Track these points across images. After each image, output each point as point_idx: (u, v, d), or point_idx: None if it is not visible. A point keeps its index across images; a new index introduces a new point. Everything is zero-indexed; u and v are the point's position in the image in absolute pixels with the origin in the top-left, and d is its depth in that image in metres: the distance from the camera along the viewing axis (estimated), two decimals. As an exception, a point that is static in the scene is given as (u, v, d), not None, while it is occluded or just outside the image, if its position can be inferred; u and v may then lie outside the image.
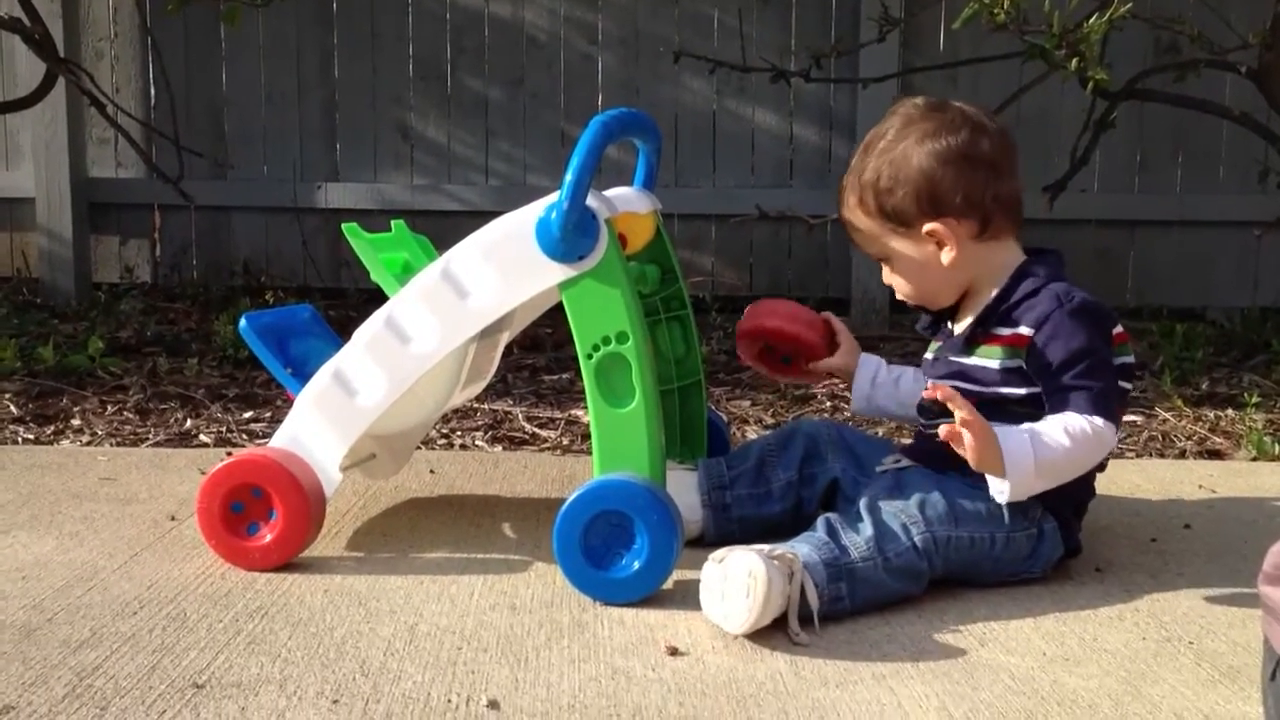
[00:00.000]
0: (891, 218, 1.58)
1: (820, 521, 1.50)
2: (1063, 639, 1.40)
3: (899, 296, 1.66)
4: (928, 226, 1.57)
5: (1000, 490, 1.45)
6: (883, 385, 1.79)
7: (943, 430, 1.43)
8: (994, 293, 1.58)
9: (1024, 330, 1.53)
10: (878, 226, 1.60)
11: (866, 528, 1.47)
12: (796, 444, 1.73)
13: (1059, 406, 1.49)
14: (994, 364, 1.56)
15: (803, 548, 1.44)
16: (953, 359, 1.61)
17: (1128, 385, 1.58)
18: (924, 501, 1.50)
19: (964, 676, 1.29)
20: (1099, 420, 1.46)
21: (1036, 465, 1.43)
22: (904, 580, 1.47)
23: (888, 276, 1.66)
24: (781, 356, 1.84)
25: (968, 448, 1.42)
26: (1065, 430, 1.45)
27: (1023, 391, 1.54)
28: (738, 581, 1.35)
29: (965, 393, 1.57)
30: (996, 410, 1.50)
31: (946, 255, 1.58)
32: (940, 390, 1.43)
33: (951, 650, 1.36)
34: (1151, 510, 1.93)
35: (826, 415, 2.65)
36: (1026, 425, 1.46)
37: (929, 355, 1.69)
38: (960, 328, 1.63)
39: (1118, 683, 1.28)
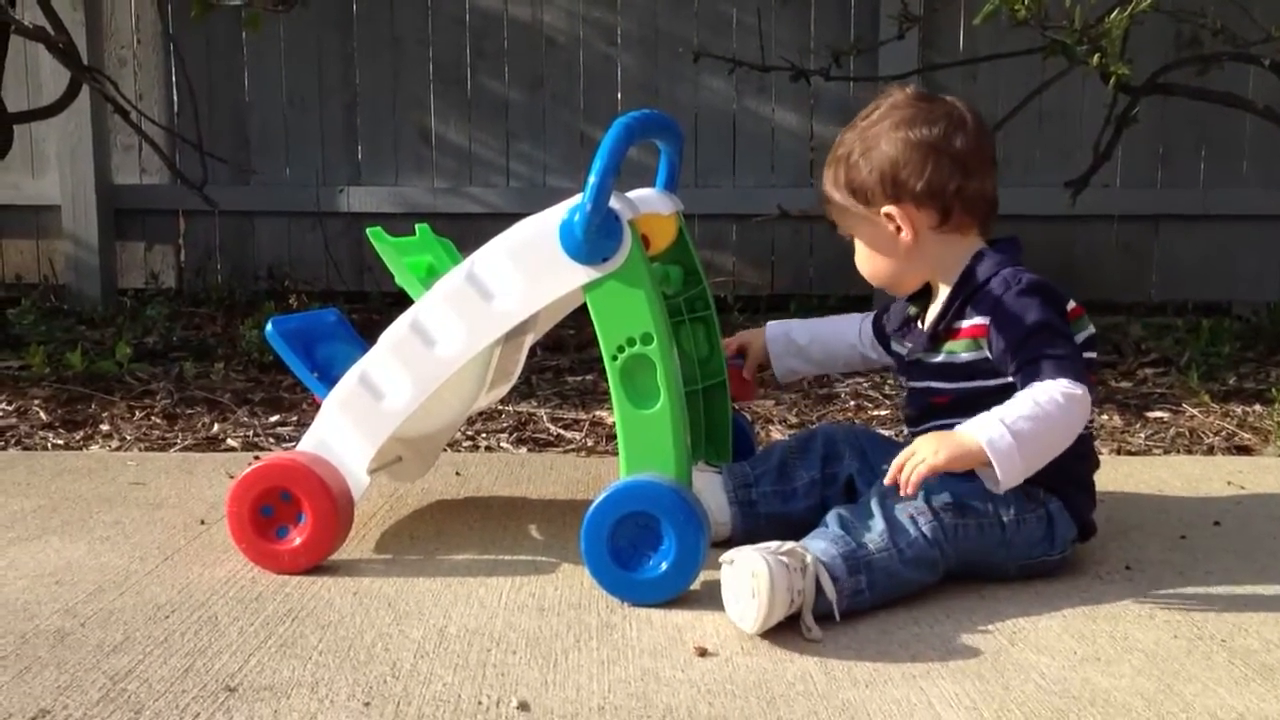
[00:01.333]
0: (856, 194, 1.62)
1: (832, 517, 1.51)
2: (1093, 638, 1.39)
3: (864, 276, 1.69)
4: (885, 209, 1.60)
5: (993, 479, 1.45)
6: (794, 352, 1.89)
7: (888, 480, 1.47)
8: (950, 286, 1.61)
9: (980, 320, 1.57)
10: (844, 202, 1.64)
11: (878, 522, 1.49)
12: (816, 444, 1.75)
13: (1025, 381, 1.50)
14: (960, 358, 1.59)
15: (819, 544, 1.45)
16: (925, 359, 1.64)
17: (1093, 354, 1.60)
18: (929, 495, 1.52)
19: (994, 676, 1.29)
20: (1065, 382, 1.47)
21: (1016, 441, 1.43)
22: (919, 570, 1.48)
23: (857, 256, 1.69)
24: None
25: (928, 466, 1.44)
26: (1034, 401, 1.46)
27: (994, 382, 1.56)
28: (743, 582, 1.37)
29: (941, 391, 1.62)
30: (976, 405, 1.51)
31: (903, 241, 1.60)
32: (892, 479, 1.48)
33: (981, 650, 1.36)
34: (1180, 507, 1.91)
35: (850, 414, 2.64)
36: (994, 408, 1.47)
37: (902, 351, 1.70)
38: (925, 327, 1.65)
39: (1150, 681, 1.28)
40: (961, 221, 1.60)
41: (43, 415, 2.57)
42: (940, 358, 1.61)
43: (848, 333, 1.88)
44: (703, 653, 1.34)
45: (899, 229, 1.60)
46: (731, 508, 1.70)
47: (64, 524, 1.81)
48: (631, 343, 1.52)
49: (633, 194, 1.67)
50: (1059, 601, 1.50)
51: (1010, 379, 1.54)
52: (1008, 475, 1.44)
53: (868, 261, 1.67)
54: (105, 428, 2.49)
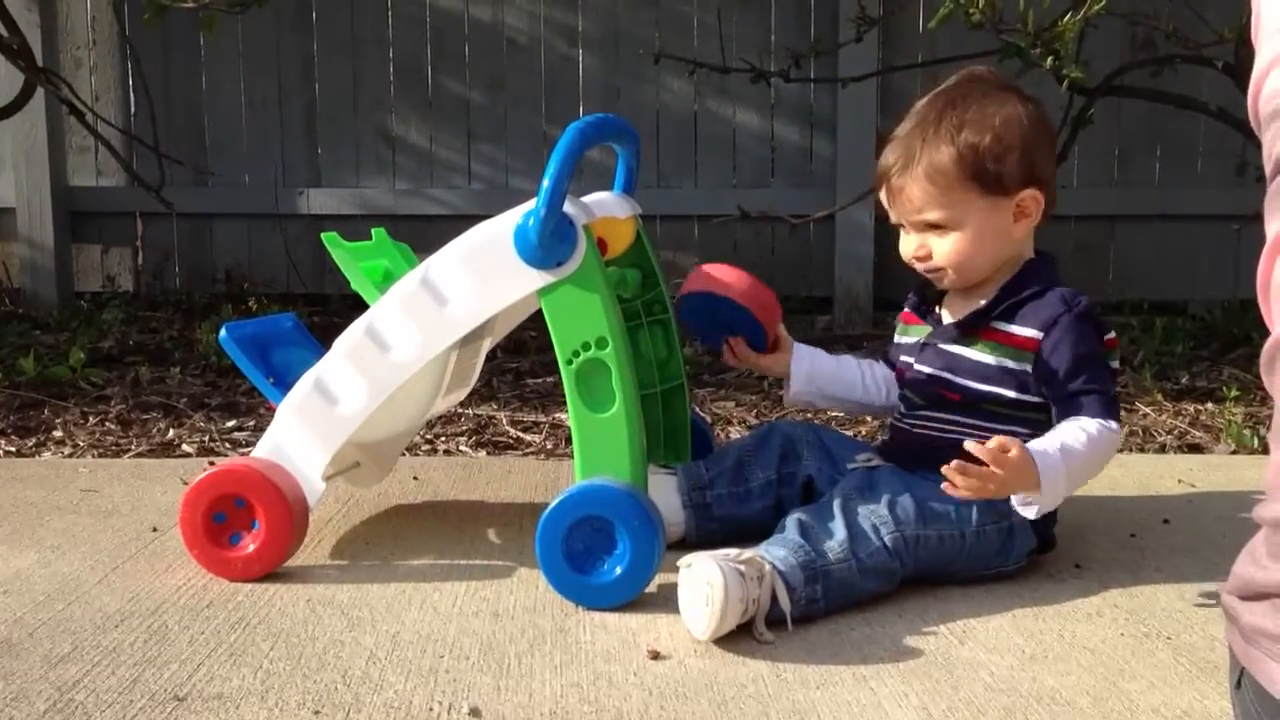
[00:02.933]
0: (989, 180, 1.53)
1: (792, 522, 1.50)
2: (1041, 636, 1.41)
3: (938, 265, 1.58)
4: (1026, 193, 1.55)
5: (1029, 506, 1.45)
6: (821, 375, 1.76)
7: (964, 485, 1.40)
8: (1001, 284, 1.58)
9: (1031, 333, 1.54)
10: (962, 190, 1.53)
11: (839, 529, 1.48)
12: (773, 444, 1.73)
13: (1070, 411, 1.50)
14: (991, 360, 1.56)
15: (778, 551, 1.44)
16: (944, 347, 1.61)
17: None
18: (893, 502, 1.51)
19: (944, 675, 1.30)
20: (1112, 423, 1.49)
21: (1068, 475, 1.44)
22: (877, 580, 1.48)
23: (925, 246, 1.57)
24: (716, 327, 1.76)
25: (996, 485, 1.40)
26: (1086, 435, 1.46)
27: (1011, 394, 1.56)
28: (698, 589, 1.36)
29: (954, 385, 1.58)
30: (980, 410, 1.50)
31: (1023, 226, 1.57)
32: (981, 453, 1.39)
33: (931, 649, 1.37)
34: (1130, 505, 1.94)
35: (810, 413, 2.65)
36: (1051, 436, 1.46)
37: (909, 340, 1.68)
38: (952, 315, 1.63)
39: (1096, 680, 1.29)
40: (1046, 214, 1.58)
41: (-5, 421, 2.54)
42: (968, 351, 1.58)
43: (858, 366, 1.79)
44: (655, 656, 1.34)
45: (1022, 215, 1.55)
46: (685, 511, 1.70)
47: (13, 532, 1.79)
48: (586, 347, 1.52)
49: (589, 198, 1.67)
50: (1009, 600, 1.51)
51: (1027, 397, 1.53)
52: (1047, 506, 1.45)
53: (964, 249, 1.55)
54: (58, 434, 2.46)
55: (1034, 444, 1.45)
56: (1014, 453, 1.40)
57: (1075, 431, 1.47)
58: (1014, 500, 1.46)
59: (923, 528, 1.50)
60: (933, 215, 1.57)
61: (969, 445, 1.39)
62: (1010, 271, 1.60)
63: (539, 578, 1.53)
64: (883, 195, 1.62)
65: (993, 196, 1.55)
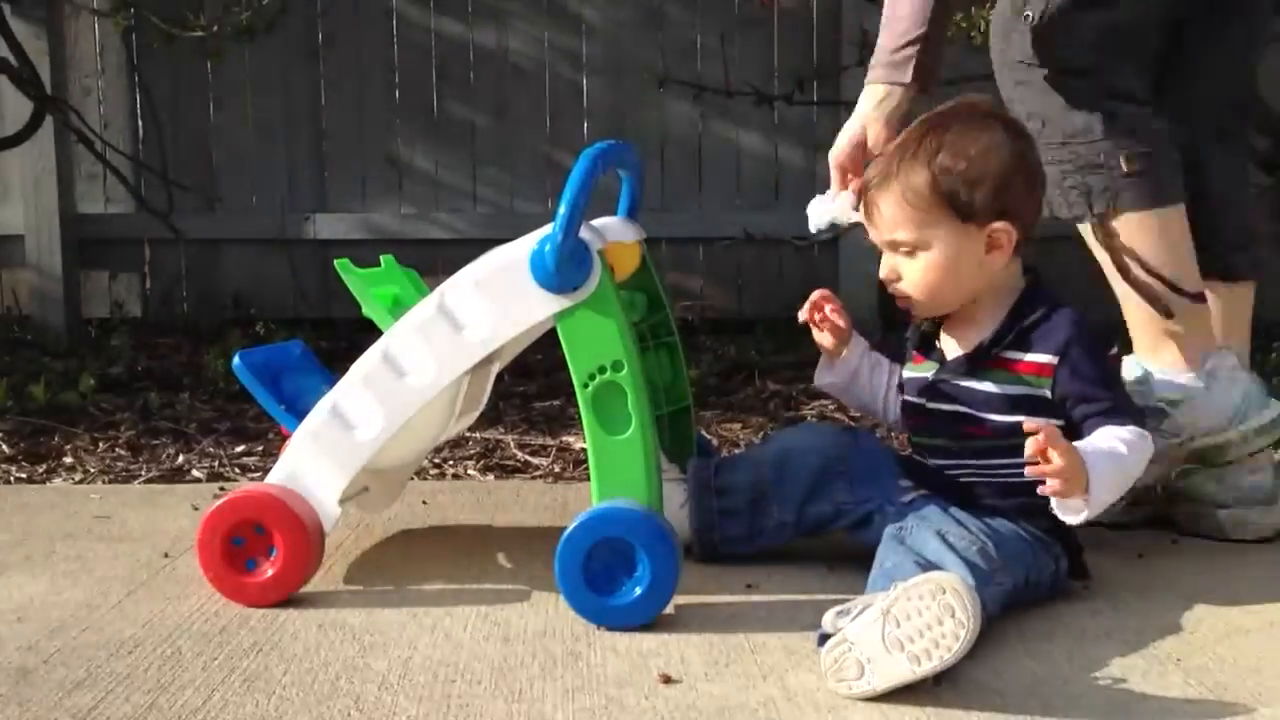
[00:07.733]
0: (960, 207, 1.52)
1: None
2: (1051, 658, 1.41)
3: (905, 291, 1.58)
4: (998, 225, 1.53)
5: (1075, 512, 1.42)
6: (864, 376, 1.78)
7: (1031, 471, 1.38)
8: (1003, 313, 1.57)
9: (1045, 358, 1.53)
10: (934, 213, 1.53)
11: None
12: (800, 475, 1.65)
13: (1099, 425, 1.49)
14: (1006, 390, 1.54)
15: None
16: (957, 383, 1.58)
17: None
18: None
19: (954, 698, 1.30)
20: (1144, 430, 1.49)
21: (1113, 477, 1.43)
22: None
23: (895, 269, 1.59)
24: None
25: (1058, 488, 1.39)
26: (1122, 440, 1.46)
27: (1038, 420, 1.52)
28: (927, 611, 1.25)
29: (978, 421, 1.55)
30: (1005, 445, 1.49)
31: (995, 259, 1.55)
32: (1043, 434, 1.37)
33: (942, 672, 1.37)
34: (1137, 526, 1.94)
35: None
36: (1087, 442, 1.45)
37: (918, 375, 1.64)
38: (957, 349, 1.60)
39: (1106, 701, 1.30)
40: (1023, 246, 1.58)
41: (5, 448, 2.54)
42: (984, 386, 1.55)
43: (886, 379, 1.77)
44: (667, 680, 1.35)
45: (993, 246, 1.54)
46: (692, 539, 1.70)
47: (26, 559, 1.80)
48: (603, 370, 1.53)
49: (596, 222, 1.69)
50: (1019, 622, 1.51)
51: (1050, 420, 1.49)
52: (1094, 514, 1.43)
53: (933, 277, 1.55)
54: (69, 460, 2.48)
55: (1085, 447, 1.42)
56: (1061, 461, 1.37)
57: (1110, 439, 1.46)
58: (1055, 505, 1.42)
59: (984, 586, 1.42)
60: (903, 235, 1.56)
61: (1029, 459, 1.37)
62: (1010, 299, 1.58)
63: (550, 601, 1.53)
64: (862, 212, 1.64)
65: (963, 224, 1.53)
